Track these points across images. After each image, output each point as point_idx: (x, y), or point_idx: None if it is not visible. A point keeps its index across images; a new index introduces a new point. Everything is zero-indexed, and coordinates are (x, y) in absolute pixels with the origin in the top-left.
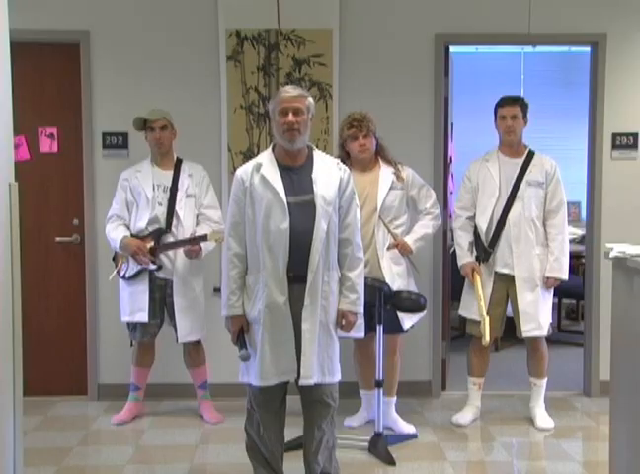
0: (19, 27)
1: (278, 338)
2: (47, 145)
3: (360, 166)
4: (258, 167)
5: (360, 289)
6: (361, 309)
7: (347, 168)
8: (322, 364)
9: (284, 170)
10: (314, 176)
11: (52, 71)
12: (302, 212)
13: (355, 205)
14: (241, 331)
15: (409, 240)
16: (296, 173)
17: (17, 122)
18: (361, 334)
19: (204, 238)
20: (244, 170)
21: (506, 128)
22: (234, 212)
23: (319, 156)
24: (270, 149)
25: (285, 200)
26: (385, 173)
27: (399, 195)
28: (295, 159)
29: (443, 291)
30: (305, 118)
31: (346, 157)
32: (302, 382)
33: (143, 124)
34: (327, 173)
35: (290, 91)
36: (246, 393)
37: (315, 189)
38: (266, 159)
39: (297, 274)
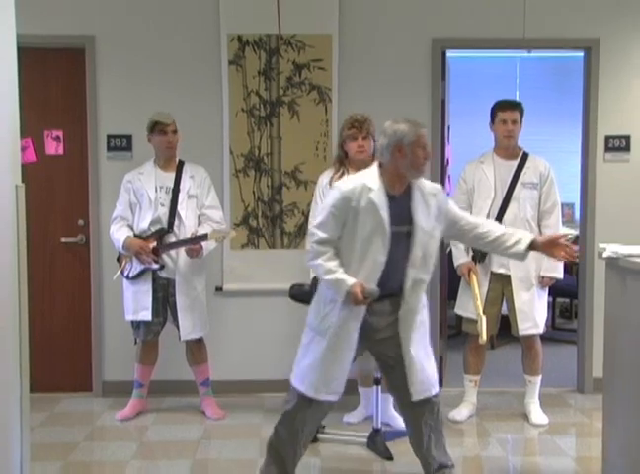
0: (25, 32)
1: (339, 357)
2: (53, 148)
3: (358, 166)
4: (368, 190)
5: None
6: None
7: (440, 188)
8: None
9: (389, 198)
10: (413, 206)
11: (58, 75)
12: (399, 241)
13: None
14: (362, 287)
15: None
16: (396, 202)
17: (23, 125)
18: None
19: (205, 237)
20: (351, 189)
21: (506, 133)
22: (331, 227)
23: (417, 186)
24: (377, 173)
25: (389, 231)
26: None
27: None
28: (401, 189)
29: (440, 291)
30: None
31: (344, 157)
32: (419, 397)
33: (155, 126)
34: (424, 202)
35: (423, 128)
36: (249, 390)
37: (415, 219)
38: (375, 184)
39: (385, 295)
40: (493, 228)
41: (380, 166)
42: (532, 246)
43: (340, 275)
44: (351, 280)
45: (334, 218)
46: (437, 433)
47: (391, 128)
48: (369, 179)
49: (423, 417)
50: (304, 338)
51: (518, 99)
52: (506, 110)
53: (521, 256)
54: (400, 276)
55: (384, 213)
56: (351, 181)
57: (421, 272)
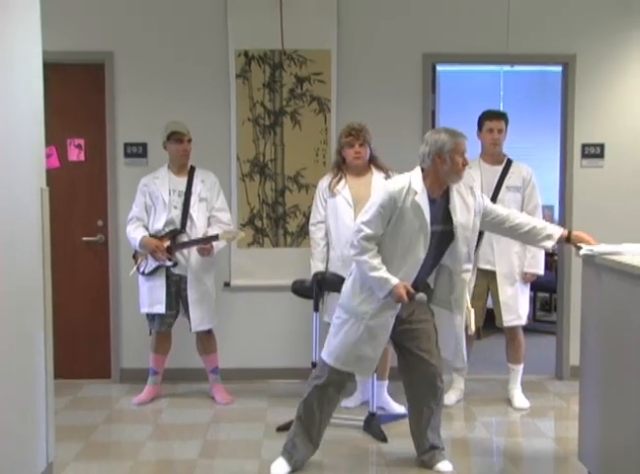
0: (51, 49)
1: (374, 341)
2: (75, 154)
3: (355, 171)
4: (413, 193)
5: None
6: None
7: (475, 187)
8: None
9: (430, 201)
10: (452, 207)
11: (80, 88)
12: (439, 240)
13: (490, 203)
14: (407, 288)
15: None
16: (436, 204)
17: (48, 134)
18: None
19: (216, 238)
20: (398, 190)
21: (493, 140)
22: (378, 224)
23: (454, 187)
24: (420, 177)
25: (430, 231)
26: (377, 178)
27: None
28: (440, 192)
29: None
30: None
31: (342, 162)
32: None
33: (172, 135)
34: (462, 200)
35: (464, 138)
36: (254, 377)
37: (455, 219)
38: (419, 188)
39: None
40: (523, 221)
41: (422, 170)
42: (562, 239)
43: (384, 273)
44: (394, 280)
45: (380, 216)
46: (435, 418)
47: (432, 137)
48: (415, 182)
49: (427, 401)
50: (337, 318)
51: (502, 109)
52: (492, 119)
53: (550, 249)
54: (430, 269)
55: (427, 215)
56: (398, 183)
57: (463, 263)
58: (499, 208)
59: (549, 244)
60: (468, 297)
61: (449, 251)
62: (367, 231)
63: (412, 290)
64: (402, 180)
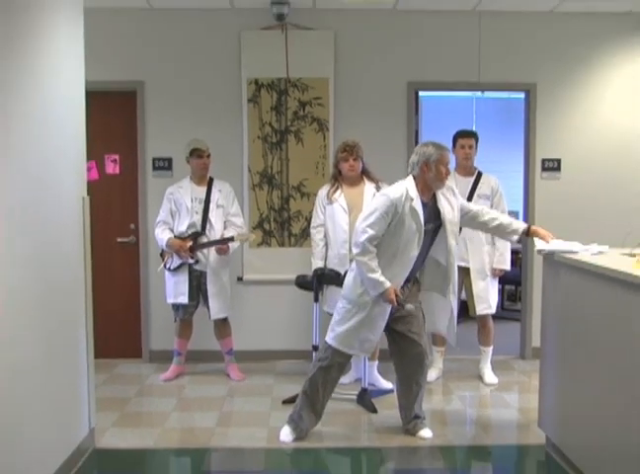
0: (92, 79)
1: (375, 325)
2: (111, 168)
3: (349, 182)
4: (409, 199)
5: None
6: None
7: (455, 190)
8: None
9: (422, 205)
10: (440, 207)
11: (116, 112)
12: (429, 236)
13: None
14: (396, 293)
15: None
16: (427, 207)
17: (89, 151)
18: None
19: (232, 239)
20: (399, 197)
21: (465, 155)
22: (381, 227)
23: (439, 192)
24: (414, 185)
25: (423, 230)
26: (368, 188)
27: None
28: (429, 196)
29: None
30: None
31: (338, 174)
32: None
33: (193, 152)
34: (446, 200)
35: (448, 151)
36: (263, 358)
37: (443, 217)
38: (414, 194)
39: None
40: (492, 216)
41: (414, 178)
42: (527, 233)
43: (380, 277)
44: (387, 284)
45: (383, 220)
46: (421, 392)
47: (421, 149)
48: (410, 189)
49: (416, 378)
50: (342, 308)
51: (474, 129)
52: (464, 137)
53: (515, 241)
54: (421, 262)
55: (422, 218)
56: (397, 190)
57: (454, 254)
58: (471, 205)
59: (515, 237)
60: None
61: (440, 245)
62: (371, 232)
63: (401, 296)
64: (400, 188)
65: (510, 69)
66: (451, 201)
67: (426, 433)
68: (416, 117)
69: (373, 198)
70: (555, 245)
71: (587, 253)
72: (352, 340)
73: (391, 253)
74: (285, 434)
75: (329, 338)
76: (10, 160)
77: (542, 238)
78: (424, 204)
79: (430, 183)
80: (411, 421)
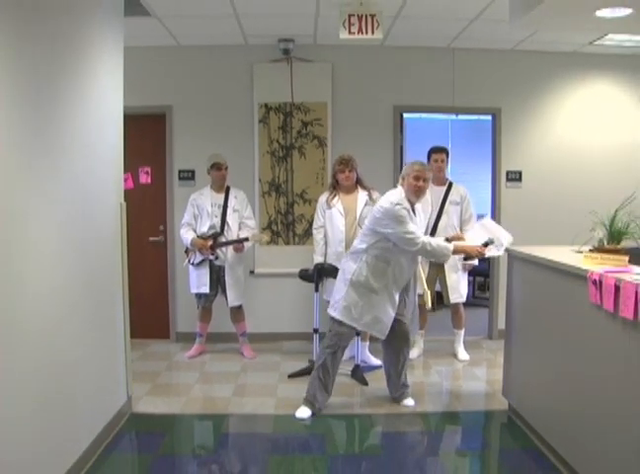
0: (128, 104)
1: (386, 309)
2: (145, 178)
3: (345, 190)
4: (408, 212)
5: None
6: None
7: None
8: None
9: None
10: (417, 214)
11: (149, 131)
12: None
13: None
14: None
15: None
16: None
17: (126, 164)
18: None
19: (247, 240)
20: (404, 206)
21: (437, 168)
22: (413, 227)
23: (417, 207)
24: (404, 196)
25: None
26: (362, 195)
27: (370, 209)
28: (410, 205)
29: None
30: (427, 185)
31: (335, 183)
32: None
33: (214, 165)
34: (420, 212)
35: (422, 165)
36: (272, 339)
37: (418, 220)
38: (406, 203)
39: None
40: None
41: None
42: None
43: (445, 243)
44: (450, 246)
45: (410, 221)
46: (406, 363)
47: (404, 166)
48: (402, 200)
49: (402, 350)
50: (358, 295)
51: (449, 146)
52: (436, 152)
53: None
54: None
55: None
56: (399, 200)
57: (415, 263)
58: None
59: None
60: (425, 283)
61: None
62: (414, 235)
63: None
64: (397, 196)
65: (479, 96)
66: (421, 216)
67: (409, 401)
68: (401, 135)
69: (384, 211)
70: (483, 234)
71: (500, 244)
72: (368, 319)
73: (399, 253)
74: (303, 412)
75: (344, 318)
76: (62, 172)
77: (458, 238)
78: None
79: (406, 195)
80: (399, 389)
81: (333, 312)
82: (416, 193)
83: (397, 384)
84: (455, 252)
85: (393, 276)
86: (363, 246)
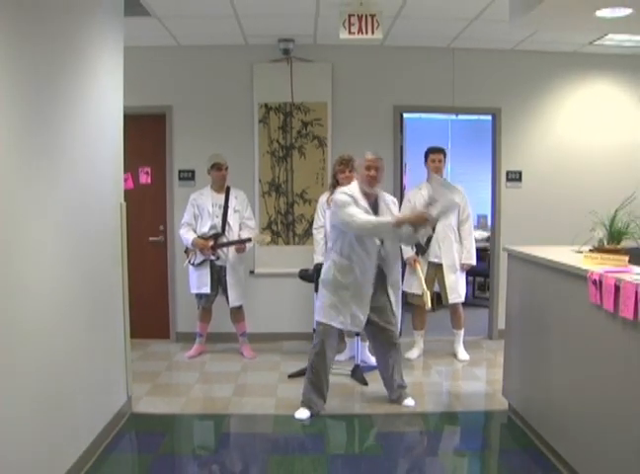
0: (128, 104)
1: (359, 303)
2: (145, 179)
3: None
4: (355, 199)
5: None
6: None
7: (395, 199)
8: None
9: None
10: (379, 209)
11: (149, 131)
12: None
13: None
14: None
15: None
16: (370, 202)
17: (126, 164)
18: None
19: (249, 240)
20: (349, 193)
21: (435, 168)
22: (356, 209)
23: (381, 197)
24: (357, 187)
25: None
26: None
27: None
28: (369, 198)
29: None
30: (381, 173)
31: (336, 183)
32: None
33: (214, 166)
34: (385, 206)
35: (373, 155)
36: (272, 339)
37: (379, 212)
38: (357, 192)
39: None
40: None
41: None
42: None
43: (379, 218)
44: (388, 218)
45: (352, 205)
46: (398, 365)
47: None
48: (354, 191)
49: (390, 353)
50: (321, 290)
51: (449, 146)
52: (434, 153)
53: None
54: (378, 258)
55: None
56: (346, 190)
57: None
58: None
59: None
60: (424, 282)
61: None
62: (351, 215)
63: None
64: (348, 187)
65: (479, 96)
66: (391, 209)
67: (409, 401)
68: (401, 135)
69: (333, 203)
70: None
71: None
72: (345, 316)
73: (356, 249)
74: (302, 413)
75: (322, 319)
76: (61, 172)
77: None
78: (368, 203)
79: (360, 185)
80: (396, 390)
81: (315, 313)
82: (369, 182)
83: (393, 386)
84: (399, 223)
85: (359, 270)
86: (330, 244)
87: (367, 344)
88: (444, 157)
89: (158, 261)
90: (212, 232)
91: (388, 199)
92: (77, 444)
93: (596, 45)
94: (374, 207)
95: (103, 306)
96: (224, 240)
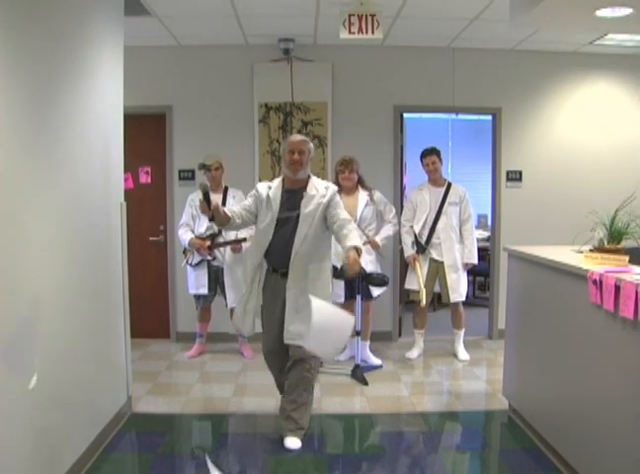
0: (128, 104)
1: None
2: (145, 178)
3: (346, 190)
4: (268, 188)
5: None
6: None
7: (334, 187)
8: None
9: (287, 192)
10: (304, 199)
11: (149, 131)
12: (287, 224)
13: (339, 207)
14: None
15: (377, 239)
16: (293, 194)
17: (126, 164)
18: (341, 300)
19: (245, 240)
20: (264, 185)
21: (429, 170)
22: (244, 203)
23: (313, 182)
24: (281, 177)
25: (277, 216)
26: (362, 195)
27: (371, 209)
28: (295, 184)
29: (400, 273)
30: (305, 157)
31: (336, 184)
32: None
33: (203, 167)
34: (314, 193)
35: (296, 138)
36: None
37: (301, 208)
38: (276, 182)
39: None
40: (342, 230)
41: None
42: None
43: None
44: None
45: (249, 197)
46: (301, 400)
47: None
48: (276, 181)
49: (297, 386)
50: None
51: (449, 146)
52: (427, 156)
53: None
54: (288, 252)
55: (275, 204)
56: (266, 183)
57: (304, 246)
58: (341, 215)
59: (341, 249)
60: (421, 281)
61: (298, 235)
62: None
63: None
64: (272, 180)
65: (479, 95)
66: (319, 199)
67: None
68: (401, 135)
69: (360, 204)
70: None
71: None
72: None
73: (257, 236)
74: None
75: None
76: (61, 172)
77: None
78: (290, 192)
79: (283, 171)
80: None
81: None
82: (290, 166)
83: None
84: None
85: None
86: None
87: (368, 343)
88: (439, 157)
89: (158, 260)
90: (209, 232)
91: (321, 189)
92: (77, 444)
93: (596, 45)
94: (296, 199)
95: (103, 306)
96: (221, 240)
